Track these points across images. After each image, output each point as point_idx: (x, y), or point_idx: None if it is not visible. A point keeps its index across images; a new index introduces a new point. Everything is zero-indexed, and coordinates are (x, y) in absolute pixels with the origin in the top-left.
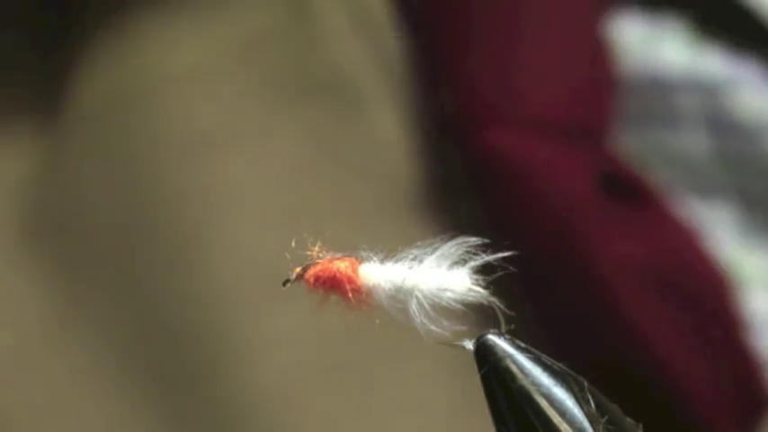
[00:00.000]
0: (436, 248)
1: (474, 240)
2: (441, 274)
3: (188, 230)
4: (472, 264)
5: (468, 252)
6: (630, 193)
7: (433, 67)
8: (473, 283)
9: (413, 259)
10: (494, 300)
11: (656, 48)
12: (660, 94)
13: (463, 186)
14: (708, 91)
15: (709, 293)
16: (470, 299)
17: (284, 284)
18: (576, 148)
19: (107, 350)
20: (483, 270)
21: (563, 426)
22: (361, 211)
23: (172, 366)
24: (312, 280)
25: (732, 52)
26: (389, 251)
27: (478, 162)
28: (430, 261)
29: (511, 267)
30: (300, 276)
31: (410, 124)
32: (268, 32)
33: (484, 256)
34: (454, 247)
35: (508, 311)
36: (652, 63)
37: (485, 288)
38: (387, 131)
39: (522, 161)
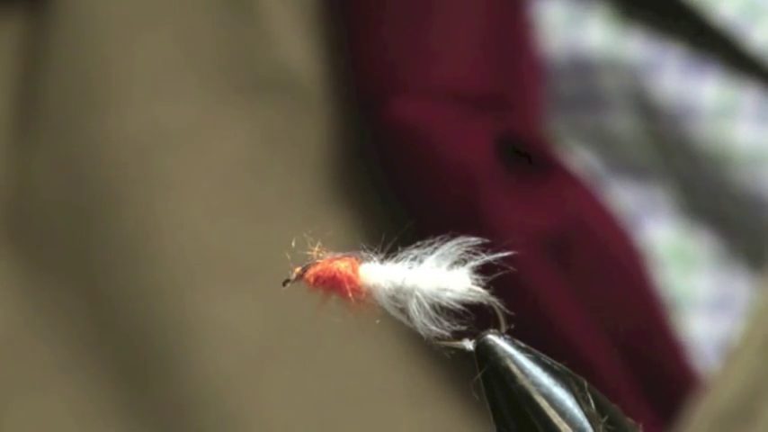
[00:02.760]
0: (436, 248)
1: (474, 240)
2: (441, 274)
3: (140, 226)
4: (472, 264)
5: (468, 252)
6: (535, 163)
7: (349, 43)
8: (473, 283)
9: (413, 259)
10: (494, 300)
11: (579, 29)
12: (584, 75)
13: (373, 162)
14: (630, 73)
15: (617, 265)
16: (470, 299)
17: (284, 284)
18: (479, 117)
19: (69, 345)
20: (483, 270)
21: (563, 426)
22: (308, 204)
23: (130, 359)
24: (312, 280)
25: (654, 34)
26: (389, 251)
27: (385, 134)
28: (430, 261)
29: (511, 267)
30: (300, 276)
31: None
32: (215, 31)
33: (484, 256)
34: (454, 247)
35: (508, 311)
36: (575, 44)
37: (485, 288)
38: (333, 130)
39: (425, 131)
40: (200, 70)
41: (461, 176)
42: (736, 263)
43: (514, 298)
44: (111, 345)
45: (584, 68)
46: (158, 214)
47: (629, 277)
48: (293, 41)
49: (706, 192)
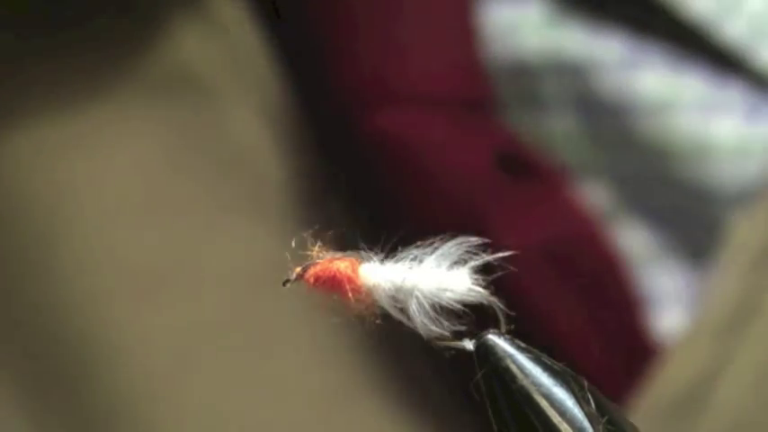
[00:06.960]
0: (436, 248)
1: (474, 240)
2: (441, 274)
3: (49, 235)
4: (472, 264)
5: (468, 252)
6: (526, 171)
7: (315, 53)
8: (473, 283)
9: (413, 259)
10: (494, 300)
11: (519, 32)
12: (526, 77)
13: (341, 176)
14: (572, 72)
15: (605, 273)
16: (470, 299)
17: (284, 284)
18: (471, 126)
19: None
20: (483, 270)
21: (563, 426)
22: (217, 206)
23: (43, 372)
24: (312, 280)
25: (594, 30)
26: (389, 251)
27: (370, 146)
28: (430, 261)
29: (511, 267)
30: (300, 276)
31: (268, 118)
32: (114, 31)
33: (484, 255)
34: (454, 247)
35: (508, 311)
36: (516, 47)
37: (485, 288)
38: (242, 125)
39: (417, 141)
40: (107, 69)
41: (463, 187)
42: (673, 257)
43: (514, 307)
44: (23, 358)
45: (525, 70)
46: (67, 222)
47: (615, 289)
48: (197, 41)
49: (645, 187)
